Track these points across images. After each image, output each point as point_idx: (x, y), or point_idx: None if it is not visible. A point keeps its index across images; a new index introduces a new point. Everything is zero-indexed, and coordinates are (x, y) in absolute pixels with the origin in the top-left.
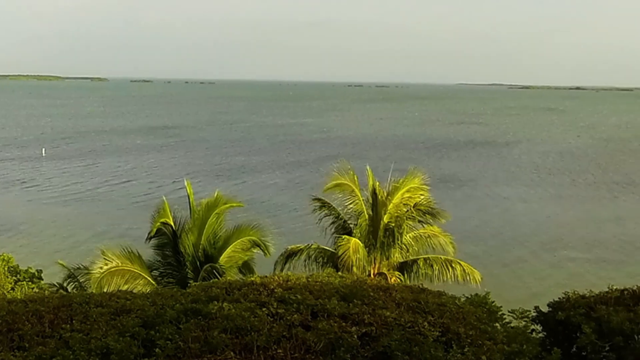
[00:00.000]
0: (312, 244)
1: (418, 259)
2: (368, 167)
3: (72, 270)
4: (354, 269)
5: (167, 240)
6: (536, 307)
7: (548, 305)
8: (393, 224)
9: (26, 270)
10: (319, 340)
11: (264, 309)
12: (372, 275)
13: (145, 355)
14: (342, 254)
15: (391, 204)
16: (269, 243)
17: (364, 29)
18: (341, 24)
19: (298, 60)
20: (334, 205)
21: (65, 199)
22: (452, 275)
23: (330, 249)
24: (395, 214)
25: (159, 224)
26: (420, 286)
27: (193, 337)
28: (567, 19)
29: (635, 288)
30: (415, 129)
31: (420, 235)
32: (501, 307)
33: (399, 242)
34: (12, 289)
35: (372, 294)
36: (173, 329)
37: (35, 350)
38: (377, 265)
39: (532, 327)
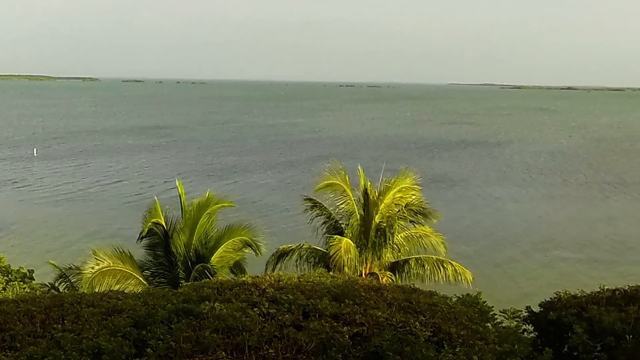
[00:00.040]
0: (303, 244)
1: (410, 259)
2: (359, 167)
3: (63, 270)
4: (346, 269)
5: (159, 240)
6: (528, 307)
7: (539, 305)
8: (384, 224)
9: (17, 271)
10: (310, 340)
11: (255, 309)
12: (363, 275)
13: (137, 355)
14: (334, 254)
15: (383, 204)
16: (261, 243)
17: (355, 29)
18: (333, 24)
19: (290, 60)
20: (325, 205)
21: (56, 199)
22: (444, 275)
23: (321, 249)
24: (387, 214)
25: (150, 224)
26: (412, 286)
27: (184, 337)
28: (558, 19)
29: (626, 288)
30: (407, 129)
31: (412, 235)
32: (493, 307)
33: (391, 242)
34: (4, 289)
35: (363, 294)
36: (164, 329)
37: (27, 350)
38: (368, 265)
39: (524, 327)
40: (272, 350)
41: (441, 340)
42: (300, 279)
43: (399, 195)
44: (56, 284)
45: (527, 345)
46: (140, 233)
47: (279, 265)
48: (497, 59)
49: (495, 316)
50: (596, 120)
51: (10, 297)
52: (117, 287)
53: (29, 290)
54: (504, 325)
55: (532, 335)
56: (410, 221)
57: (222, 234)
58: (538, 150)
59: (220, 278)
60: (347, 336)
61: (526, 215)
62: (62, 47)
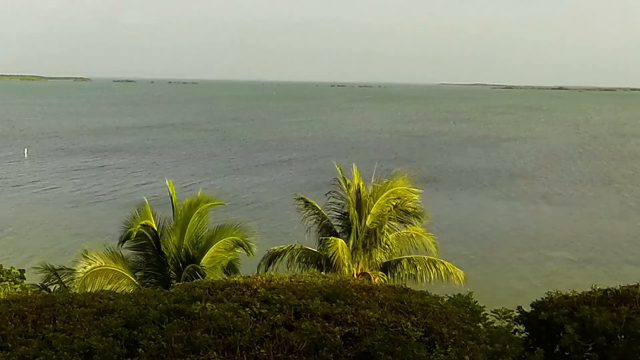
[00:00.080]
0: (295, 245)
1: (402, 259)
2: (354, 167)
3: (55, 271)
4: (345, 269)
5: (148, 241)
6: (519, 307)
7: (531, 305)
8: (376, 224)
9: (9, 271)
10: (302, 340)
11: (247, 309)
12: (355, 275)
13: (128, 355)
14: (332, 254)
15: (375, 204)
16: (252, 243)
17: (347, 29)
18: (324, 25)
19: (281, 60)
20: (317, 205)
21: (47, 200)
22: (436, 275)
23: (313, 250)
24: (378, 214)
25: (139, 226)
26: (403, 286)
27: (176, 337)
28: (549, 19)
29: (618, 288)
30: (399, 129)
31: (404, 235)
32: (484, 307)
33: (382, 242)
34: None
35: (355, 294)
36: (156, 329)
37: (18, 350)
38: (360, 266)
39: (515, 327)
40: (263, 350)
41: (433, 340)
42: (292, 279)
43: (392, 196)
44: (47, 284)
45: (519, 345)
46: (128, 235)
47: (271, 267)
48: (488, 59)
49: (487, 316)
50: (588, 119)
51: (2, 297)
52: (109, 287)
53: (20, 291)
54: (495, 325)
55: (523, 335)
56: (401, 222)
57: (214, 234)
58: (529, 149)
59: (211, 278)
60: (338, 336)
61: (518, 215)
62: (53, 47)
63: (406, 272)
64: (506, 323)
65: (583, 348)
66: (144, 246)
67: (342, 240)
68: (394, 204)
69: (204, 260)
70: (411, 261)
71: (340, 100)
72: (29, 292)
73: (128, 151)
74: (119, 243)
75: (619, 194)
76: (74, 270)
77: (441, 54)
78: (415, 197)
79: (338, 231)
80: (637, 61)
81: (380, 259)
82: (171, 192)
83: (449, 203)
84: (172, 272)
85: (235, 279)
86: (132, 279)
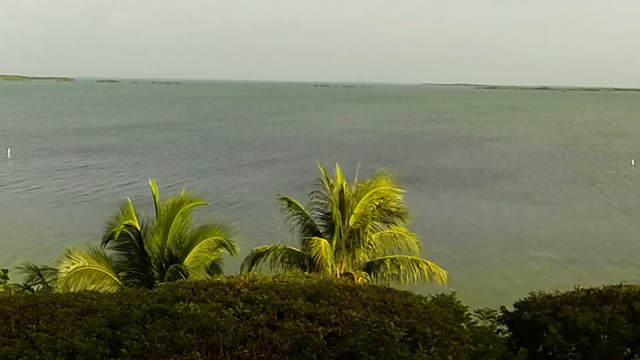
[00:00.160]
0: (278, 245)
1: (385, 259)
2: (337, 166)
3: (38, 271)
4: (328, 269)
5: (131, 240)
6: (502, 307)
7: (514, 305)
8: (359, 224)
9: None
10: (285, 340)
11: (230, 309)
12: (338, 275)
13: (112, 355)
14: (316, 254)
15: (359, 204)
16: (236, 243)
17: (330, 29)
18: (307, 25)
19: (265, 60)
20: (300, 205)
21: (30, 199)
22: (419, 275)
23: (297, 250)
24: (361, 214)
25: (122, 226)
26: (387, 286)
27: (159, 337)
28: (533, 19)
29: (601, 288)
30: (382, 129)
31: (387, 235)
32: (467, 307)
33: (365, 242)
34: None
35: (338, 294)
36: (139, 329)
37: (1, 350)
38: (343, 266)
39: (498, 327)
40: (246, 350)
41: (416, 340)
42: (275, 279)
43: (375, 196)
44: (30, 284)
45: (502, 345)
46: (111, 235)
47: (254, 267)
48: (471, 59)
49: (470, 316)
50: (571, 119)
51: None
52: (92, 287)
53: (3, 290)
54: (478, 325)
55: (506, 335)
56: (384, 222)
57: (197, 234)
58: (512, 149)
59: (195, 278)
60: (321, 336)
61: (501, 215)
62: (37, 47)
63: (389, 272)
64: (489, 323)
65: (566, 348)
66: (127, 246)
67: (326, 240)
68: (377, 204)
69: (187, 260)
70: (394, 261)
71: (323, 100)
72: (12, 292)
73: (111, 151)
74: (102, 243)
75: (602, 194)
76: (57, 270)
77: (424, 54)
78: (399, 197)
79: (321, 231)
80: (621, 61)
81: (364, 259)
82: (154, 192)
83: (433, 203)
84: (155, 272)
85: (218, 279)
86: (116, 279)
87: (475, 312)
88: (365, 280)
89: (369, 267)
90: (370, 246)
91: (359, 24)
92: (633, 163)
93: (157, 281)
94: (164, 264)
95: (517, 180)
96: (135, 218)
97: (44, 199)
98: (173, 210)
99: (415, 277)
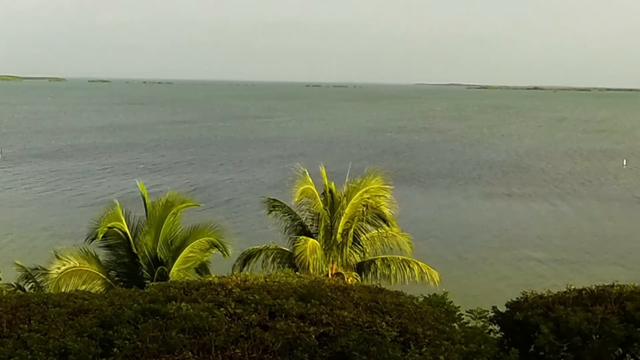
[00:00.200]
0: (270, 245)
1: (376, 259)
2: (322, 168)
3: (29, 271)
4: (310, 269)
5: (122, 241)
6: (494, 307)
7: (506, 305)
8: (350, 224)
9: None
10: (276, 340)
11: (222, 309)
12: (329, 276)
13: (103, 355)
14: (299, 254)
15: (349, 204)
16: (228, 244)
17: (322, 30)
18: (299, 25)
19: (256, 60)
20: (288, 206)
21: (22, 200)
22: (410, 275)
23: (288, 250)
24: (352, 215)
25: (105, 228)
26: (378, 286)
27: (151, 337)
28: (524, 19)
29: (593, 288)
30: (374, 128)
31: (378, 235)
32: (459, 307)
33: (356, 242)
34: None
35: (330, 294)
36: (131, 329)
37: None
38: (334, 266)
39: (490, 327)
40: (238, 350)
41: (407, 340)
42: (267, 279)
43: (366, 195)
44: (22, 285)
45: (494, 345)
46: (95, 235)
47: (245, 268)
48: (463, 60)
49: (462, 316)
50: (562, 118)
51: None
52: (83, 287)
53: None
54: (470, 325)
55: (498, 335)
56: (372, 223)
57: (188, 235)
58: (504, 148)
59: (186, 278)
60: (313, 336)
61: (493, 215)
62: (29, 47)
63: (380, 272)
64: (481, 323)
65: (558, 348)
66: (118, 246)
67: (315, 240)
68: (370, 203)
69: (178, 261)
70: (385, 261)
71: (315, 100)
72: (4, 292)
73: (104, 151)
74: (85, 241)
75: (595, 194)
76: (49, 270)
77: (416, 54)
78: (388, 195)
79: (312, 231)
80: (612, 62)
81: (355, 259)
82: (143, 193)
83: (424, 203)
84: (145, 272)
85: (210, 279)
86: (107, 279)
87: (467, 312)
88: (357, 280)
89: (360, 267)
90: (361, 246)
91: (351, 24)
92: (625, 163)
93: (148, 281)
94: (154, 265)
95: (509, 179)
96: (122, 219)
97: (35, 199)
98: (165, 211)
99: (407, 277)
